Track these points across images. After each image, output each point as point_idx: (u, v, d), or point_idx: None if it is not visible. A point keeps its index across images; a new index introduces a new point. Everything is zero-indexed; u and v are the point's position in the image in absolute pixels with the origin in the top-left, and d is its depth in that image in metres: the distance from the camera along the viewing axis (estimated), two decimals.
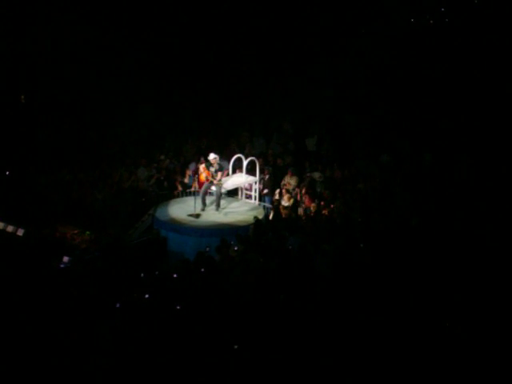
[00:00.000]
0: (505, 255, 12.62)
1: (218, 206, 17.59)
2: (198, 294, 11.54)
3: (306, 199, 17.39)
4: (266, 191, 18.74)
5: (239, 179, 18.45)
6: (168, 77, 23.23)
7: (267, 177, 18.84)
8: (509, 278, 11.80)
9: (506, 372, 9.32)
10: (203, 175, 17.31)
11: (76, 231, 15.84)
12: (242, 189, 18.73)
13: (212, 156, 17.28)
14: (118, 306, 11.02)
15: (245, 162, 18.37)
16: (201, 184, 17.95)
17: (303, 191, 17.69)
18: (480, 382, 9.33)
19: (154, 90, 22.76)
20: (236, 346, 9.76)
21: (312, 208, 16.50)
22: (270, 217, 17.21)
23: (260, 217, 16.67)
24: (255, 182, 18.39)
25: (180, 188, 19.09)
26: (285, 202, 17.46)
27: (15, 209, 16.09)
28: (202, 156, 18.94)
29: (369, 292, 11.51)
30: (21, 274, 12.45)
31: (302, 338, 10.16)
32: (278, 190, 18.20)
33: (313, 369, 9.54)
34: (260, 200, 18.51)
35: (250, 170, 18.64)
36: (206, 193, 17.70)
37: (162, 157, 19.88)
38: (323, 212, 16.31)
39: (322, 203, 16.63)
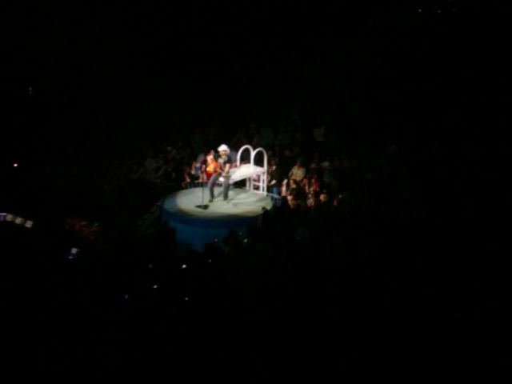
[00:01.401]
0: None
1: (226, 196, 17.61)
2: (207, 285, 11.56)
3: (313, 189, 17.39)
4: (273, 182, 18.76)
5: (247, 170, 18.44)
6: (175, 67, 23.21)
7: (274, 167, 18.83)
8: None
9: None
10: (211, 166, 17.29)
11: (84, 223, 15.85)
12: (249, 180, 18.73)
13: (222, 148, 17.30)
14: (126, 297, 11.06)
15: (253, 153, 18.35)
16: (209, 175, 17.94)
17: (312, 181, 17.70)
18: (485, 378, 9.34)
19: (161, 81, 22.75)
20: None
21: (321, 198, 16.48)
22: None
23: (268, 207, 16.67)
24: (263, 173, 18.38)
25: (188, 179, 19.12)
26: (292, 193, 17.46)
27: (24, 201, 16.11)
28: (211, 147, 18.95)
29: (377, 283, 11.51)
30: (29, 266, 12.49)
31: (309, 330, 10.18)
32: (285, 181, 18.21)
33: (320, 361, 9.55)
34: (268, 191, 18.51)
35: (258, 161, 18.62)
36: (214, 184, 17.71)
37: (170, 148, 19.89)
38: (331, 202, 16.32)
39: (324, 194, 16.61)
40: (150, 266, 12.77)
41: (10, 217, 14.77)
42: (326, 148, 20.11)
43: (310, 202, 17.23)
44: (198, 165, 19.43)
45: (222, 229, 15.63)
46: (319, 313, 10.62)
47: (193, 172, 19.41)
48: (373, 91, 22.39)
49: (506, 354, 9.50)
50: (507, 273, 11.65)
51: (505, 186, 15.71)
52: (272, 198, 18.03)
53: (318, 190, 17.30)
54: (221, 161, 17.24)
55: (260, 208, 16.61)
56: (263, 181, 18.44)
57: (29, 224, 14.64)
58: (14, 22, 20.90)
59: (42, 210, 15.84)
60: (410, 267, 12.03)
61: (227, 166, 17.26)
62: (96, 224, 15.84)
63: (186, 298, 11.09)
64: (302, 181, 18.07)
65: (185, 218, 16.78)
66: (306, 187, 17.74)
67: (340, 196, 16.50)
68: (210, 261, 12.63)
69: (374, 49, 23.19)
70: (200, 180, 18.91)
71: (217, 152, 17.41)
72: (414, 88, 21.83)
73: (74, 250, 13.64)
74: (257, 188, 18.69)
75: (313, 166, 18.59)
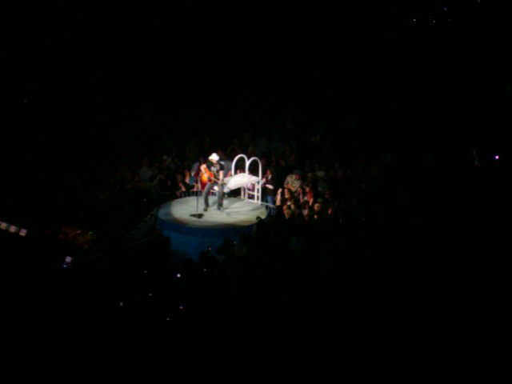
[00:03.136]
0: (507, 256, 12.61)
1: (221, 205, 17.60)
2: (201, 294, 11.55)
3: (308, 199, 17.39)
4: (270, 186, 18.69)
5: (242, 179, 18.46)
6: (170, 76, 23.23)
7: (270, 176, 18.80)
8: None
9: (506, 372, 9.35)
10: (205, 175, 17.28)
11: (79, 231, 15.83)
12: (244, 189, 18.74)
13: (211, 156, 17.27)
14: (121, 304, 11.04)
15: (247, 162, 18.37)
16: (204, 184, 17.93)
17: (307, 190, 17.70)
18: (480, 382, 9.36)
19: (156, 90, 22.77)
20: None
21: (316, 208, 16.47)
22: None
23: (263, 217, 16.66)
24: (258, 182, 18.39)
25: (183, 188, 19.11)
26: (288, 202, 17.44)
27: (18, 209, 16.09)
28: (204, 156, 18.94)
29: (372, 292, 11.51)
30: (23, 275, 12.46)
31: (304, 338, 10.17)
32: (280, 190, 18.19)
33: (314, 369, 9.54)
34: (262, 200, 18.50)
35: (253, 170, 18.63)
36: (209, 193, 17.70)
37: (165, 156, 19.89)
38: (326, 212, 16.31)
39: (318, 204, 16.57)
40: (145, 273, 12.76)
41: (4, 225, 14.76)
42: (320, 157, 20.09)
43: (305, 211, 17.21)
44: (192, 174, 19.42)
45: (216, 238, 15.62)
46: (314, 322, 10.62)
47: (187, 181, 19.39)
48: (367, 100, 22.41)
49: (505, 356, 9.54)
50: (504, 281, 11.67)
51: (501, 193, 15.75)
52: (266, 208, 18.02)
53: (312, 199, 17.29)
54: (214, 169, 17.22)
55: (254, 217, 16.61)
56: (258, 190, 18.43)
57: (23, 232, 14.63)
58: (9, 29, 20.92)
59: (37, 218, 15.81)
60: (405, 277, 12.04)
61: (221, 173, 17.25)
62: (90, 232, 15.81)
63: (181, 307, 11.07)
64: (296, 191, 18.03)
65: (179, 226, 16.77)
66: (301, 196, 17.73)
67: (335, 205, 16.50)
68: (204, 270, 12.61)
69: (368, 58, 23.23)
70: (195, 189, 18.89)
71: (209, 161, 17.38)
72: (409, 97, 21.89)
73: (68, 259, 13.61)
74: (251, 197, 18.68)
75: (309, 175, 18.56)
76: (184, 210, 17.66)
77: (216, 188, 17.49)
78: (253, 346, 10.03)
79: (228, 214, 17.54)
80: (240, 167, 18.83)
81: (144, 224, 17.26)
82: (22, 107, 22.12)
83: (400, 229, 14.63)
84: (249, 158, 18.47)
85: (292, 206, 16.82)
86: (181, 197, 18.93)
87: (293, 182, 18.35)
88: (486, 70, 21.30)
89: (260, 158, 18.73)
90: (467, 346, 9.92)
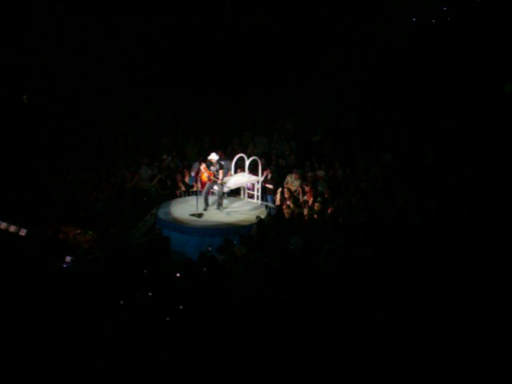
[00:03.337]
0: (507, 255, 12.61)
1: (220, 205, 17.60)
2: (201, 294, 11.56)
3: (308, 198, 17.40)
4: (270, 186, 18.69)
5: (242, 179, 18.46)
6: (170, 76, 23.23)
7: (270, 175, 18.79)
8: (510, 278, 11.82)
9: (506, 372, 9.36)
10: (205, 175, 17.28)
11: (78, 231, 15.84)
12: (244, 188, 18.74)
13: (211, 156, 17.27)
14: (121, 303, 11.06)
15: (247, 162, 18.37)
16: (203, 184, 17.94)
17: (306, 190, 17.71)
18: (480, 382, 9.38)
19: (156, 89, 22.77)
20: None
21: (316, 207, 16.48)
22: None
23: (262, 216, 16.66)
24: (257, 182, 18.39)
25: (183, 188, 19.10)
26: (287, 202, 17.45)
27: (18, 209, 16.08)
28: (203, 156, 18.93)
29: (371, 292, 11.52)
30: (23, 274, 12.46)
31: (304, 337, 10.18)
32: (279, 190, 18.19)
33: (314, 368, 9.55)
34: (262, 199, 18.50)
35: (253, 170, 18.63)
36: (209, 192, 17.69)
37: (165, 156, 19.88)
38: (325, 211, 16.31)
39: (318, 203, 16.58)
40: (145, 272, 12.77)
41: (3, 225, 14.76)
42: (320, 157, 20.10)
43: (305, 211, 17.21)
44: (192, 173, 19.42)
45: (216, 237, 15.63)
46: (314, 321, 10.63)
47: (187, 180, 19.38)
48: (367, 100, 22.42)
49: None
50: (504, 280, 11.68)
51: (500, 192, 15.75)
52: (266, 207, 18.02)
53: (312, 198, 17.30)
54: (213, 169, 17.21)
55: (254, 217, 16.62)
56: (258, 189, 18.44)
57: (23, 232, 14.62)
58: (9, 28, 20.92)
59: (37, 218, 15.81)
60: (405, 276, 12.05)
61: (221, 172, 17.24)
62: (90, 232, 15.82)
63: (181, 307, 11.08)
64: (295, 191, 18.03)
65: (179, 226, 16.76)
66: (300, 196, 17.74)
67: (334, 205, 16.50)
68: (204, 269, 12.62)
69: (368, 57, 23.24)
70: (195, 188, 18.88)
71: (208, 160, 17.37)
72: (409, 96, 21.89)
73: (67, 259, 13.62)
74: (251, 197, 18.69)
75: (309, 175, 18.56)
76: (184, 209, 17.66)
77: (216, 187, 17.48)
78: (253, 345, 10.04)
79: (228, 213, 17.53)
80: (240, 167, 18.84)
81: (144, 224, 17.25)
82: (21, 107, 22.12)
83: (400, 228, 14.63)
84: (249, 158, 18.48)
85: (292, 206, 16.83)
86: (180, 196, 18.91)
87: (293, 182, 18.35)
88: (486, 69, 21.31)
89: (260, 158, 18.74)
90: (467, 344, 9.93)
